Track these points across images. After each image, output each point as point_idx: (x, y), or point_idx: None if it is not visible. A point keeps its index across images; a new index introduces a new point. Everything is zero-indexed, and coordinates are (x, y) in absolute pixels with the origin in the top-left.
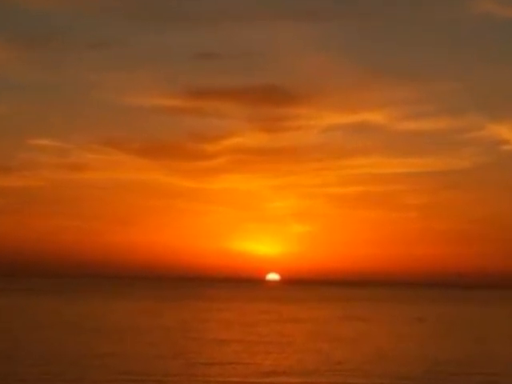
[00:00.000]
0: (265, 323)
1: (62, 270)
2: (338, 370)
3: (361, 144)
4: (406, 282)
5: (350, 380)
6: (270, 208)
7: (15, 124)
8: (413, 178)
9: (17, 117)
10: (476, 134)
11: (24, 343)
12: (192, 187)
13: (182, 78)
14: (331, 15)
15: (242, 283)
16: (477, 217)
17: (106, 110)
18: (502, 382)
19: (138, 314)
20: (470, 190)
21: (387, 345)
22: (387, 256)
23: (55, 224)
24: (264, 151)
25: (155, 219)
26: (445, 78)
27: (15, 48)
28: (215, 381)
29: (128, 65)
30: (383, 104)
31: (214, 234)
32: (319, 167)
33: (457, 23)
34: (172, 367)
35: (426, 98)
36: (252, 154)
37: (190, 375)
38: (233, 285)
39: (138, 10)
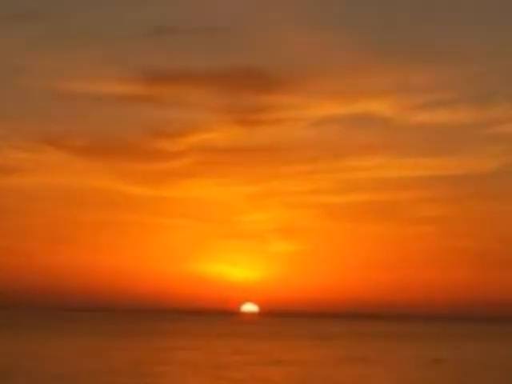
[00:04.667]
0: (240, 366)
1: None
2: None
3: (362, 141)
4: (419, 314)
5: None
6: (247, 221)
7: None
8: (428, 184)
9: None
10: (506, 127)
11: None
12: (148, 195)
13: (134, 59)
14: None
15: (211, 315)
16: (509, 233)
17: (41, 98)
18: None
19: (82, 355)
20: (500, 199)
21: None
22: (395, 282)
23: None
24: (239, 150)
25: (102, 236)
26: (467, 60)
27: None
28: None
29: (68, 42)
30: (390, 91)
31: (176, 255)
32: (309, 170)
33: None
34: None
35: (443, 83)
36: (224, 153)
37: None
38: (200, 317)
39: None
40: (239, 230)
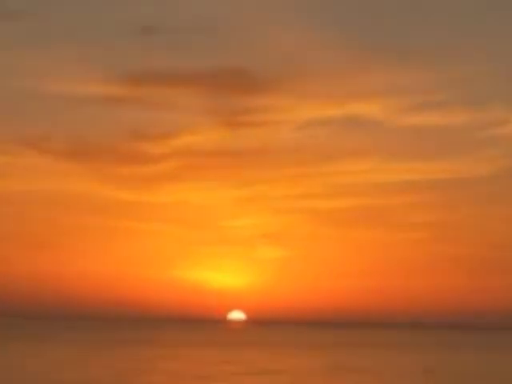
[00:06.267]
0: (226, 376)
1: None
2: None
3: (352, 144)
4: (411, 322)
5: None
6: (234, 227)
7: None
8: (419, 188)
9: None
10: (501, 130)
11: None
12: (132, 200)
13: (118, 60)
14: None
15: (196, 323)
16: (503, 239)
17: (20, 99)
18: None
19: (63, 364)
20: (494, 204)
21: None
22: (387, 289)
23: None
24: (226, 153)
25: (84, 242)
26: (460, 61)
27: None
28: None
29: (49, 42)
30: (381, 92)
31: (160, 261)
32: (298, 174)
33: None
34: None
35: (436, 84)
36: (210, 156)
37: None
38: (184, 326)
39: None
40: (226, 236)
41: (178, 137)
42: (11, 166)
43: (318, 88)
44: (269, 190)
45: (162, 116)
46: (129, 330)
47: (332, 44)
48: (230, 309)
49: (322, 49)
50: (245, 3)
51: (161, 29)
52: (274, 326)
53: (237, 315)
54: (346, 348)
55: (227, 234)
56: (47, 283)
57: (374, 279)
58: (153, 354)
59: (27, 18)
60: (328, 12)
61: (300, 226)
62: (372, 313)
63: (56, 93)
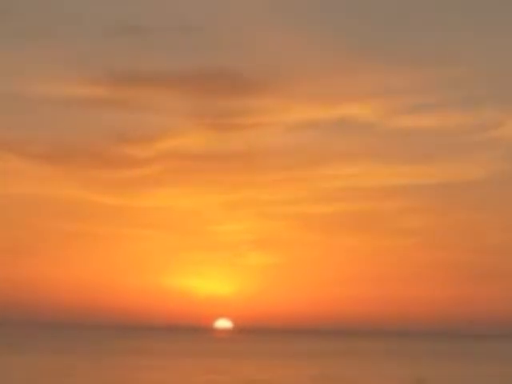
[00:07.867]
0: None
1: None
2: None
3: (342, 147)
4: (402, 331)
5: None
6: (220, 232)
7: None
8: (411, 193)
9: None
10: (494, 132)
11: None
12: (115, 205)
13: (99, 60)
14: None
15: (181, 332)
16: (496, 245)
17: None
18: None
19: (44, 374)
20: (488, 208)
21: None
22: (377, 297)
23: None
24: (212, 156)
25: (64, 248)
26: (454, 61)
27: None
28: None
29: (28, 42)
30: (372, 94)
31: (145, 268)
32: (286, 178)
33: None
34: None
35: (428, 86)
36: (196, 160)
37: None
38: (170, 334)
39: None
40: (212, 242)
41: (163, 140)
42: None
43: (307, 90)
44: (257, 194)
45: (146, 118)
46: (113, 339)
47: (322, 45)
48: (217, 317)
49: (311, 50)
50: (232, 3)
51: (145, 28)
52: (261, 335)
53: (224, 323)
54: (334, 357)
55: (214, 239)
56: (27, 290)
57: (362, 286)
58: (137, 364)
59: (7, 17)
60: (318, 13)
61: (288, 231)
62: (361, 321)
63: (37, 95)
